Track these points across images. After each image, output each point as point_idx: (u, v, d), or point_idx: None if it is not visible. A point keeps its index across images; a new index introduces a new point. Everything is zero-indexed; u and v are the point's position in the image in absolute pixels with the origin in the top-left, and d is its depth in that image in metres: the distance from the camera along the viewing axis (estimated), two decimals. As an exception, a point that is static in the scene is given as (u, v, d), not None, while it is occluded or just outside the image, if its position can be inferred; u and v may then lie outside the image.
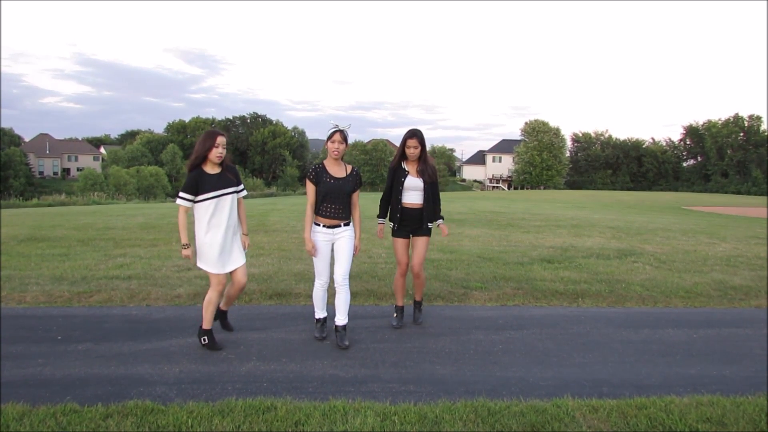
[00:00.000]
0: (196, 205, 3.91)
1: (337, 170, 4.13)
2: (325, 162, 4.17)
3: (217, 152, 3.88)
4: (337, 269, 4.18)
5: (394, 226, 4.63)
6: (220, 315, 4.42)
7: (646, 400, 3.24)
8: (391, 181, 4.60)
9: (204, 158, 3.90)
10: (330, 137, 4.05)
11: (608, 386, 3.52)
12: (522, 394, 3.35)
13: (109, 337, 4.28)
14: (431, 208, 4.59)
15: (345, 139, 4.06)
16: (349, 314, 4.24)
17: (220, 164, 3.99)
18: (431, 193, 4.57)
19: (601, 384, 3.56)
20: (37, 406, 3.01)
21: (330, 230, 4.15)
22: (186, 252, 3.93)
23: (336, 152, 4.04)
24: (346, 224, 4.21)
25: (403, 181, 4.53)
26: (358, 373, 3.65)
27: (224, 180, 3.96)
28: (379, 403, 3.16)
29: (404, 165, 4.57)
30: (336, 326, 4.22)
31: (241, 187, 4.14)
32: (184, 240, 3.93)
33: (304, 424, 2.88)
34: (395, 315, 4.79)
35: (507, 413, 3.04)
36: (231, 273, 4.12)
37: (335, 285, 4.19)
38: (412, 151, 4.48)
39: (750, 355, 4.21)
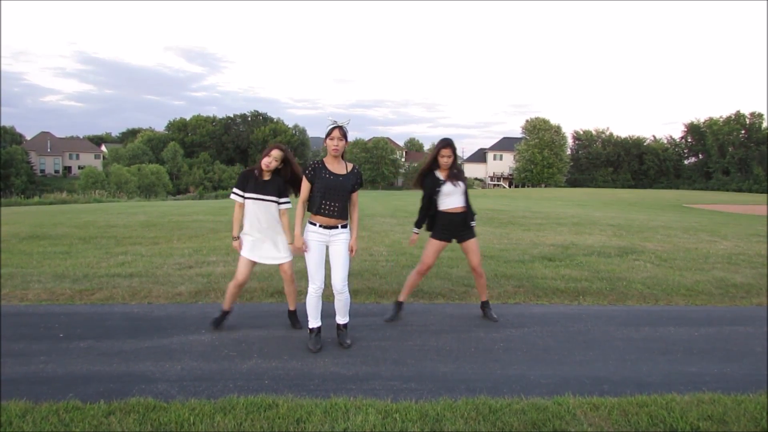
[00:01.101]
0: (245, 201, 4.32)
1: (338, 167, 4.00)
2: (324, 159, 4.04)
3: (266, 161, 4.24)
4: (335, 276, 3.99)
5: (432, 233, 4.74)
6: (289, 314, 4.63)
7: (647, 398, 3.25)
8: (430, 190, 4.63)
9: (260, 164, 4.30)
10: (329, 134, 3.91)
11: (609, 384, 3.52)
12: (523, 391, 3.35)
13: (110, 334, 4.29)
14: (470, 208, 4.71)
15: (345, 135, 3.94)
16: (350, 313, 4.22)
17: (279, 174, 4.33)
18: (466, 194, 4.69)
19: (602, 382, 3.56)
20: (40, 403, 3.02)
21: (326, 231, 3.98)
22: (234, 244, 4.38)
23: (336, 149, 3.91)
24: (344, 226, 4.03)
25: (440, 190, 4.59)
26: (359, 371, 3.65)
27: (268, 187, 4.27)
28: (381, 400, 3.16)
29: (437, 173, 4.64)
30: (338, 324, 4.18)
31: (283, 200, 4.36)
32: (234, 233, 4.38)
33: (306, 422, 2.88)
34: (394, 308, 4.87)
35: (508, 411, 3.05)
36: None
37: (334, 292, 4.04)
38: (446, 160, 4.56)
39: (751, 352, 4.20)
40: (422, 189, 4.70)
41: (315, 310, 4.06)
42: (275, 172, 4.33)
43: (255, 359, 3.82)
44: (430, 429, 2.86)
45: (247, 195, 4.27)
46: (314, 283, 3.99)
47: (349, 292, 4.13)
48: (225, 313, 4.48)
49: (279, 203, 4.32)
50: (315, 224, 3.99)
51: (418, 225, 4.80)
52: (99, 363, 3.70)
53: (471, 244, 4.74)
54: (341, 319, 4.16)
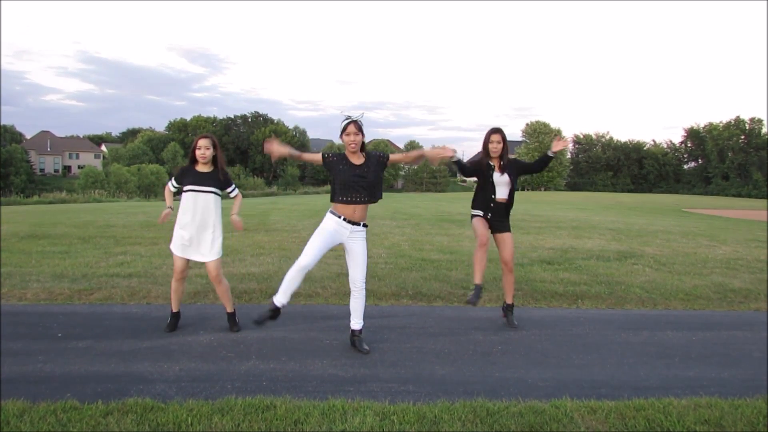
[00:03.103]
0: (182, 194, 4.30)
1: (355, 159, 3.87)
2: (345, 153, 3.90)
3: (199, 153, 4.25)
4: (355, 274, 3.97)
5: (481, 213, 4.65)
6: (228, 317, 4.56)
7: (644, 401, 3.25)
8: (484, 177, 4.61)
9: (193, 158, 4.31)
10: (344, 130, 3.79)
11: (607, 387, 3.53)
12: (521, 394, 3.36)
13: (109, 334, 4.29)
14: (512, 202, 4.72)
15: (360, 129, 3.81)
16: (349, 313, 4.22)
17: (215, 165, 4.34)
18: (513, 188, 4.68)
19: (599, 385, 3.56)
20: (38, 403, 3.02)
21: (348, 226, 3.87)
22: (165, 212, 4.40)
23: (354, 144, 3.78)
24: (365, 225, 3.96)
25: (493, 179, 4.57)
26: (357, 373, 3.66)
27: (207, 179, 4.28)
28: (378, 402, 3.16)
29: (489, 162, 4.62)
30: (353, 331, 4.12)
31: (230, 189, 4.44)
32: (168, 204, 4.46)
33: (303, 423, 2.89)
34: (475, 291, 4.56)
35: (506, 414, 3.05)
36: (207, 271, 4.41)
37: (352, 288, 4.01)
38: (496, 146, 4.54)
39: (749, 357, 4.21)
40: (476, 177, 4.67)
41: (288, 284, 3.88)
42: (214, 163, 4.33)
43: (253, 360, 3.83)
44: (427, 431, 2.86)
45: (185, 187, 4.25)
46: (305, 258, 3.82)
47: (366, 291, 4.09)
48: (173, 315, 4.46)
49: (220, 194, 4.35)
50: (339, 216, 3.87)
51: (475, 210, 4.72)
52: (97, 363, 3.69)
53: (506, 238, 4.68)
54: (356, 324, 4.09)
